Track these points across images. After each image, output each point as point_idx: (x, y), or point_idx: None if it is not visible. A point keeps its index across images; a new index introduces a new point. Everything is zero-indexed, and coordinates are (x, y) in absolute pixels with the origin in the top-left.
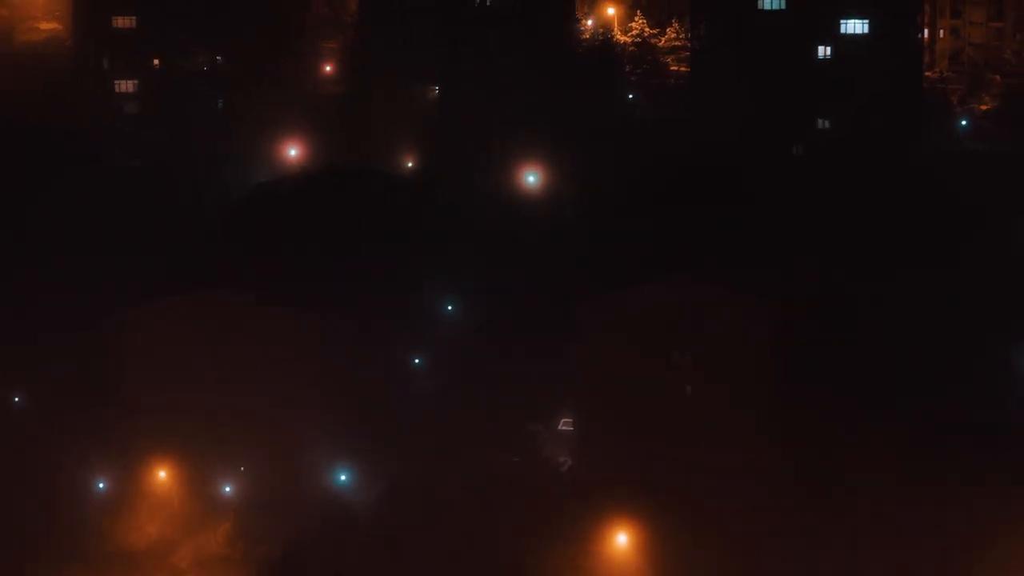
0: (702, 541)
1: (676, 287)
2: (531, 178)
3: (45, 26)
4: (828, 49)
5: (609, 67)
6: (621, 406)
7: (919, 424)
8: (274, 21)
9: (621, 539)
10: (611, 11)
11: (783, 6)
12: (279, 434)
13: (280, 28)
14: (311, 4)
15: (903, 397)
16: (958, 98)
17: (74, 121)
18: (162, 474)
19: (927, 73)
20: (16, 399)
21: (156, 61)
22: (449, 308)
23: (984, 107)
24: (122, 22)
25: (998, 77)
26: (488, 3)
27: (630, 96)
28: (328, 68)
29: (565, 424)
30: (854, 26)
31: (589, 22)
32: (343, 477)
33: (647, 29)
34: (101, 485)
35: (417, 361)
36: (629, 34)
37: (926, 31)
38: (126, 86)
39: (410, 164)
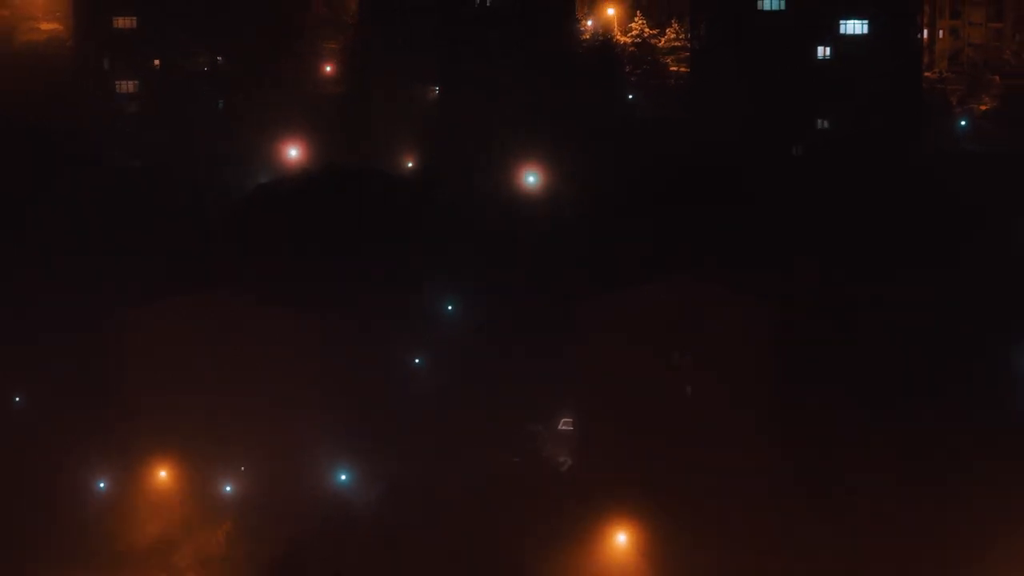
0: (702, 541)
1: (676, 287)
2: (531, 178)
3: (46, 26)
4: (828, 49)
5: (609, 67)
6: (621, 406)
7: (919, 424)
8: (274, 21)
9: (621, 539)
10: (611, 12)
11: (783, 6)
12: (279, 434)
13: (280, 28)
14: (311, 4)
15: (903, 397)
16: (957, 99)
17: (74, 121)
18: (163, 474)
19: (926, 73)
20: (16, 399)
21: (157, 62)
22: (449, 308)
23: (983, 107)
24: (123, 22)
25: (997, 78)
26: (488, 3)
27: (630, 96)
28: (328, 68)
29: (565, 424)
30: (854, 26)
31: (589, 23)
32: (343, 477)
33: (647, 30)
34: (102, 485)
35: (417, 361)
36: (629, 35)
37: (925, 32)
38: (127, 86)
39: (410, 164)
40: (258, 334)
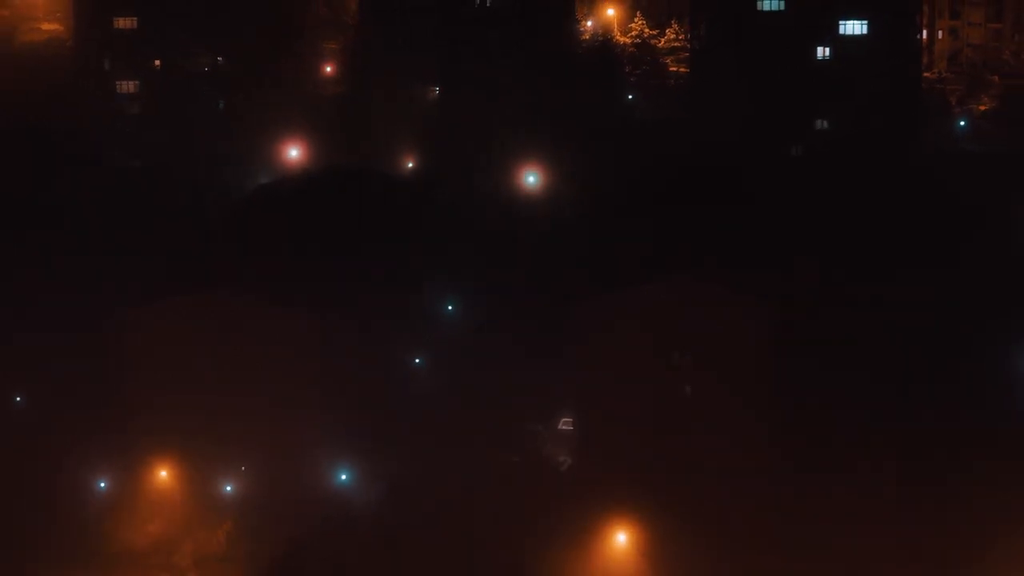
0: (702, 541)
1: (676, 287)
2: (531, 178)
3: (46, 27)
4: (827, 50)
5: (609, 68)
6: (621, 406)
7: (919, 424)
8: (274, 21)
9: (621, 538)
10: (611, 12)
11: (782, 7)
12: (280, 434)
13: (280, 28)
14: (311, 5)
15: (903, 397)
16: (957, 99)
17: (75, 122)
18: (163, 474)
19: (926, 74)
20: (16, 399)
21: (157, 62)
22: (449, 308)
23: (983, 108)
24: (123, 23)
25: (997, 78)
26: (488, 4)
27: (630, 97)
28: (328, 69)
29: (565, 424)
30: (853, 27)
31: (589, 23)
32: (343, 477)
33: (647, 30)
34: (102, 485)
35: (417, 361)
36: (629, 35)
37: (925, 32)
38: (127, 87)
39: (410, 164)
40: (258, 334)
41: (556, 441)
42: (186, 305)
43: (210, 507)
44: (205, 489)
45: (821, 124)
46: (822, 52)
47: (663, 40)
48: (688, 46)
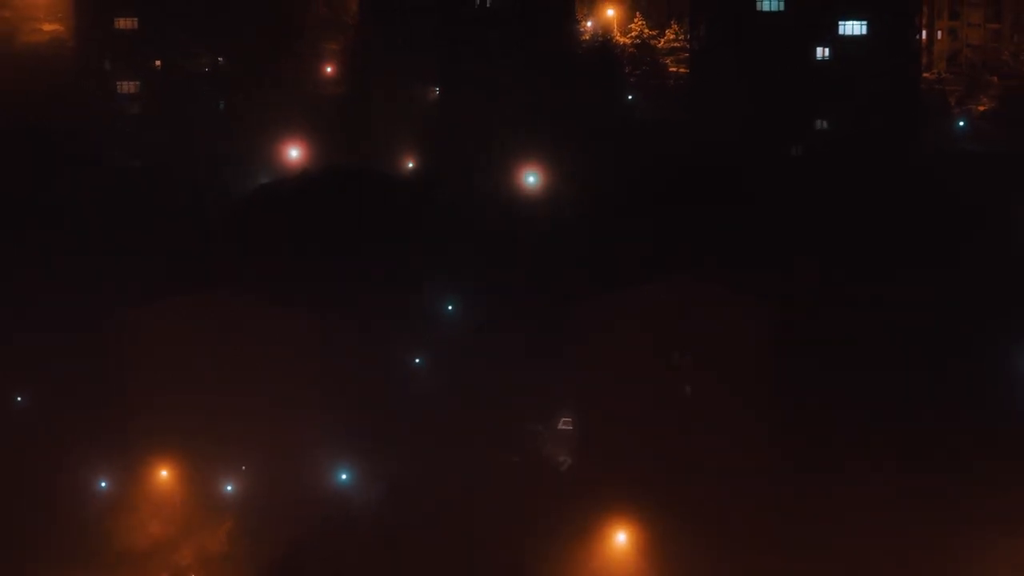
0: (702, 541)
1: (676, 287)
2: (531, 178)
3: (47, 27)
4: (827, 50)
5: (609, 68)
6: (621, 406)
7: (919, 424)
8: (274, 21)
9: (620, 538)
10: (611, 13)
11: (782, 7)
12: (280, 434)
13: (280, 28)
14: (311, 4)
15: (903, 397)
16: (956, 99)
17: (75, 122)
18: (164, 473)
19: (925, 74)
20: (17, 399)
21: (158, 62)
22: (449, 308)
23: (982, 108)
24: (124, 23)
25: (996, 78)
26: (488, 3)
27: (629, 97)
28: (328, 69)
29: (565, 424)
30: (853, 27)
31: (589, 24)
32: (343, 477)
33: (646, 31)
34: (102, 485)
35: (417, 361)
36: (628, 35)
37: (924, 32)
38: (128, 87)
39: (410, 164)
40: (258, 334)
41: (556, 441)
42: (186, 305)
43: (210, 507)
44: (205, 489)
45: (821, 124)
46: (822, 52)
47: (663, 41)
48: (688, 46)
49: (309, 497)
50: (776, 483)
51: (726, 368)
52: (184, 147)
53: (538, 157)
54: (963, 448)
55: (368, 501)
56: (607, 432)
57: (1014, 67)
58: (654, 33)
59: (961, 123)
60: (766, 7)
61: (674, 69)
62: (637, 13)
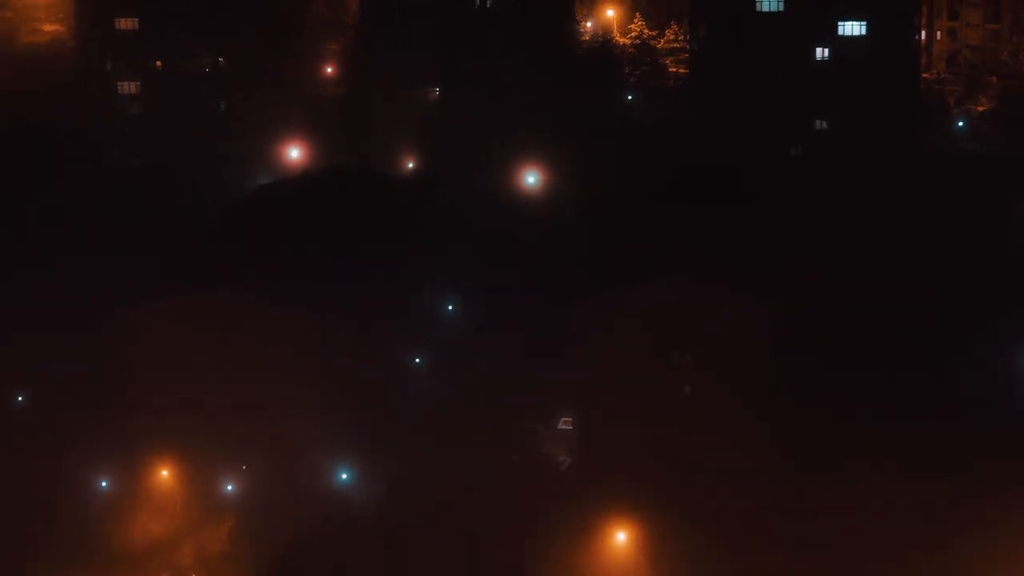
0: (702, 541)
1: (676, 287)
2: (531, 178)
3: (48, 28)
4: (826, 50)
5: (608, 68)
6: (621, 406)
7: (919, 424)
8: (274, 22)
9: (620, 538)
10: (610, 13)
11: (781, 8)
12: (280, 434)
13: (280, 29)
14: (311, 5)
15: (903, 397)
16: (955, 99)
17: (75, 122)
18: (164, 473)
19: (924, 75)
20: (18, 399)
21: (158, 62)
22: (449, 308)
23: (981, 108)
24: (125, 24)
25: (995, 79)
26: (488, 3)
27: (629, 97)
28: (328, 69)
29: (565, 423)
30: (852, 28)
31: (588, 24)
32: (343, 477)
33: (646, 31)
34: (103, 484)
35: (417, 361)
36: (628, 36)
37: (923, 33)
38: (129, 87)
39: (410, 164)
40: (258, 334)
41: (556, 441)
42: (186, 305)
43: (211, 507)
44: (206, 489)
45: (821, 124)
46: (821, 53)
47: (663, 41)
48: (687, 47)
49: (309, 497)
50: (776, 483)
51: (726, 368)
52: (184, 147)
53: (538, 157)
54: (963, 448)
55: (368, 501)
56: (607, 432)
57: (1013, 67)
58: (654, 34)
59: (960, 123)
60: (766, 7)
61: (674, 69)
62: (637, 13)
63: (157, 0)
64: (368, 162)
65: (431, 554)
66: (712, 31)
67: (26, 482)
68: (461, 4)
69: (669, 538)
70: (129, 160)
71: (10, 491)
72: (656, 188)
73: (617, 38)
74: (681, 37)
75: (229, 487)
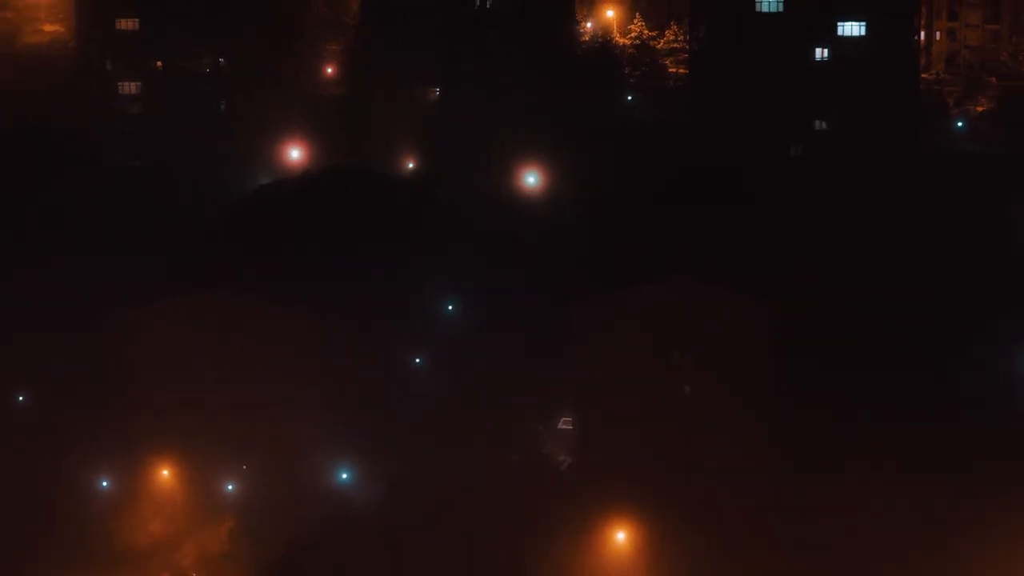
0: (702, 541)
1: (676, 287)
2: (531, 178)
3: (48, 28)
4: (826, 51)
5: (608, 69)
6: (621, 406)
7: (919, 424)
8: (274, 22)
9: (620, 537)
10: (610, 13)
11: (781, 8)
12: (280, 434)
13: (280, 29)
14: (311, 5)
15: (903, 397)
16: (954, 100)
17: (75, 122)
18: (164, 473)
19: (924, 75)
20: (17, 399)
21: (158, 63)
22: (449, 308)
23: (980, 108)
24: (125, 24)
25: (994, 79)
26: (488, 4)
27: (629, 98)
28: (329, 69)
29: (565, 423)
30: (851, 28)
31: (588, 24)
32: (343, 477)
33: (646, 31)
34: (104, 484)
35: (417, 361)
36: (628, 36)
37: (923, 33)
38: (129, 87)
39: (410, 165)
40: (258, 334)
41: (556, 441)
42: (186, 305)
43: (211, 507)
44: (206, 489)
45: (820, 124)
46: (821, 53)
47: (662, 41)
48: (687, 47)
49: (309, 497)
50: (776, 483)
51: (726, 368)
52: (184, 147)
53: (538, 157)
54: (963, 448)
55: (368, 501)
56: (607, 432)
57: (1012, 68)
58: (654, 34)
59: (960, 124)
60: (765, 8)
61: (674, 70)
62: (637, 14)
63: (157, 0)
64: (368, 162)
65: (431, 554)
66: (712, 31)
67: (26, 482)
68: (461, 4)
69: (669, 538)
70: (129, 160)
71: (10, 491)
72: (656, 188)
73: (617, 38)
74: (681, 37)
75: (229, 487)
